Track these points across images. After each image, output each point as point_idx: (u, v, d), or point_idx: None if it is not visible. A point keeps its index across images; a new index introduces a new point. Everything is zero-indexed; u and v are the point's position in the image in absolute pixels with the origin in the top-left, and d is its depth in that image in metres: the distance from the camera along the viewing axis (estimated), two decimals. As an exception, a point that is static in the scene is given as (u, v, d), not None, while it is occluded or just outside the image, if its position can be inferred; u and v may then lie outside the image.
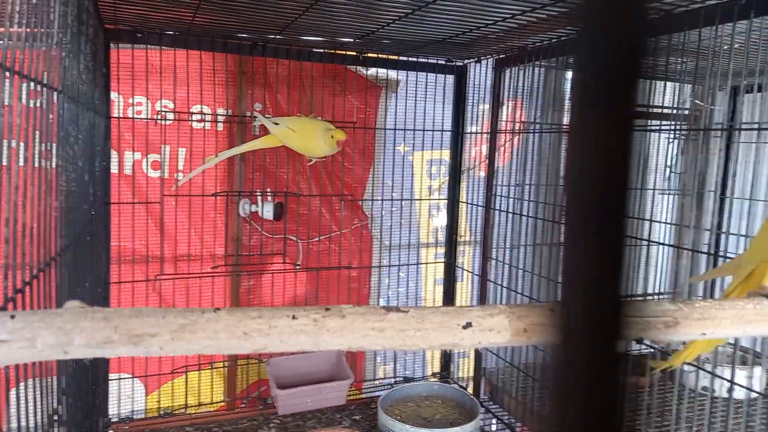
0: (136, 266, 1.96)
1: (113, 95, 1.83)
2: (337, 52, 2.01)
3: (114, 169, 1.89)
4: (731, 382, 1.38)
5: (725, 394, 1.62)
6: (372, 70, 2.19)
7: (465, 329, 0.65)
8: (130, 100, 1.90)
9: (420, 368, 2.37)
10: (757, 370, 1.68)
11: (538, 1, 1.30)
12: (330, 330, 0.56)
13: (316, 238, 2.19)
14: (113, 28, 1.70)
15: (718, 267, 1.63)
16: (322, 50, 1.99)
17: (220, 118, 2.02)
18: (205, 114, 1.99)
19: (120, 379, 1.95)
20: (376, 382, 2.31)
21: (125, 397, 1.97)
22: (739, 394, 1.56)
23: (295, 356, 1.98)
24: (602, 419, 0.17)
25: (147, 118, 1.92)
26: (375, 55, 2.07)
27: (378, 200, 2.28)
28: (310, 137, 1.93)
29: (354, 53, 2.03)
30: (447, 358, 2.36)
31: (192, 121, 1.97)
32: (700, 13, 1.25)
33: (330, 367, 2.02)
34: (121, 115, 1.86)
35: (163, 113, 1.92)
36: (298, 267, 2.16)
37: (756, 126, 1.38)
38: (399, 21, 1.47)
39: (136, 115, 1.90)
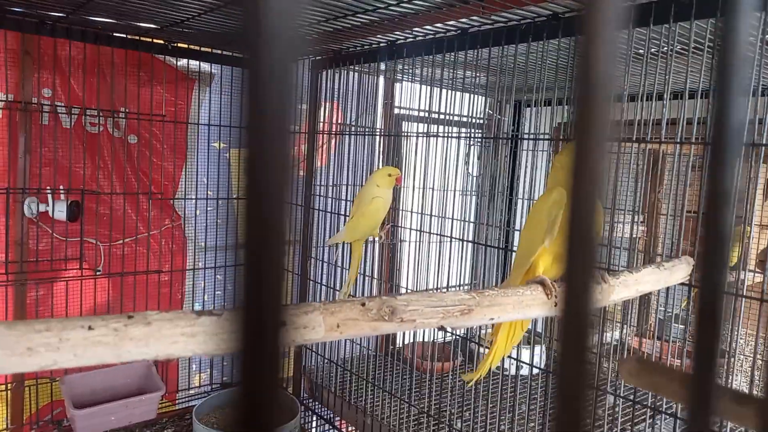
0: None
1: None
2: (142, 38, 1.86)
3: None
4: (518, 360, 1.58)
5: (514, 372, 1.85)
6: (183, 61, 2.07)
7: (280, 327, 0.65)
8: None
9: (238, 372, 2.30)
10: (538, 349, 1.94)
11: (350, 8, 1.35)
12: (134, 339, 0.53)
13: (120, 241, 2.01)
14: None
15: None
16: (124, 35, 1.83)
17: (-2, 104, 1.75)
18: (-23, 98, 1.71)
19: None
20: (192, 391, 2.19)
21: None
22: (525, 370, 1.79)
23: (96, 371, 1.79)
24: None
25: None
26: (186, 46, 1.97)
27: (192, 199, 2.16)
28: (377, 208, 1.64)
29: (162, 41, 1.90)
30: (266, 359, 2.33)
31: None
32: (490, 34, 1.41)
33: (138, 379, 1.87)
34: None
35: None
36: (98, 273, 1.96)
37: (533, 136, 1.60)
38: (206, 14, 1.42)
39: None
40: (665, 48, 1.27)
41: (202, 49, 2.00)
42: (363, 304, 0.74)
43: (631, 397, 1.37)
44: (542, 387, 1.76)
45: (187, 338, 0.55)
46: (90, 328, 0.50)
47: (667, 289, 1.69)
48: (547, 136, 1.95)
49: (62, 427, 1.82)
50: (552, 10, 1.26)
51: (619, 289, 1.06)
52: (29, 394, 1.86)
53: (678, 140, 1.19)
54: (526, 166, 1.93)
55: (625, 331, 1.99)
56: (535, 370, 1.81)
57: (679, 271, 1.12)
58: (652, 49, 1.27)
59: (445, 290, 1.81)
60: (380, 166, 1.88)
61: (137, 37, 1.85)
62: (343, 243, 1.82)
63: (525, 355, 1.91)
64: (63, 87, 1.86)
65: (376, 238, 1.77)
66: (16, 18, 1.63)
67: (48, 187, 1.83)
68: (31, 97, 1.80)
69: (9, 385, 1.82)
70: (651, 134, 1.31)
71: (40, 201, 1.82)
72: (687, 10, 1.07)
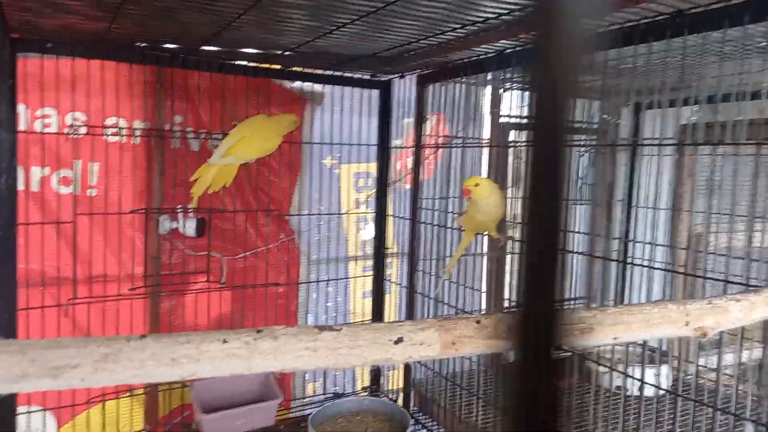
0: (47, 290, 1.83)
1: (19, 107, 1.72)
2: (261, 65, 1.99)
3: (20, 186, 1.76)
4: (641, 381, 1.47)
5: (637, 392, 1.73)
6: (297, 84, 2.18)
7: (396, 344, 0.66)
8: (38, 113, 1.79)
9: (350, 383, 2.36)
10: (664, 368, 1.80)
11: (458, 22, 1.35)
12: (263, 352, 0.56)
13: (241, 254, 2.14)
14: (20, 37, 1.60)
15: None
16: (245, 63, 1.96)
17: (137, 132, 1.94)
18: (120, 127, 1.90)
19: (29, 412, 1.81)
20: (306, 399, 2.28)
21: None
22: (649, 391, 1.67)
23: (221, 378, 1.92)
24: (544, 417, 0.19)
25: (60, 132, 1.81)
26: (300, 69, 2.07)
27: (305, 214, 2.26)
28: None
29: (278, 66, 2.02)
30: (376, 371, 2.37)
31: (106, 135, 1.88)
32: (606, 36, 1.35)
33: (257, 386, 1.97)
34: (27, 129, 1.75)
35: (74, 126, 1.82)
36: (222, 285, 2.10)
37: (657, 141, 1.50)
38: (331, 34, 1.48)
39: (45, 129, 1.79)
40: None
41: (315, 71, 2.09)
42: (478, 322, 0.73)
43: (779, 427, 1.23)
44: (671, 410, 1.63)
45: (310, 353, 0.58)
46: (225, 341, 0.54)
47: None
48: (670, 141, 1.81)
49: (191, 430, 1.96)
50: (676, 7, 1.18)
51: (762, 308, 0.96)
52: (162, 398, 2.03)
53: None
54: (648, 173, 1.81)
55: (766, 351, 1.80)
56: (662, 392, 1.68)
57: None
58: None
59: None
60: (487, 176, 1.86)
61: (257, 64, 1.97)
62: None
63: (649, 374, 1.78)
64: (192, 113, 2.03)
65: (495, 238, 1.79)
66: (155, 54, 1.80)
67: (179, 206, 1.99)
68: (164, 124, 1.98)
69: (145, 389, 1.99)
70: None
71: (172, 219, 1.99)
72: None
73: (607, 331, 0.82)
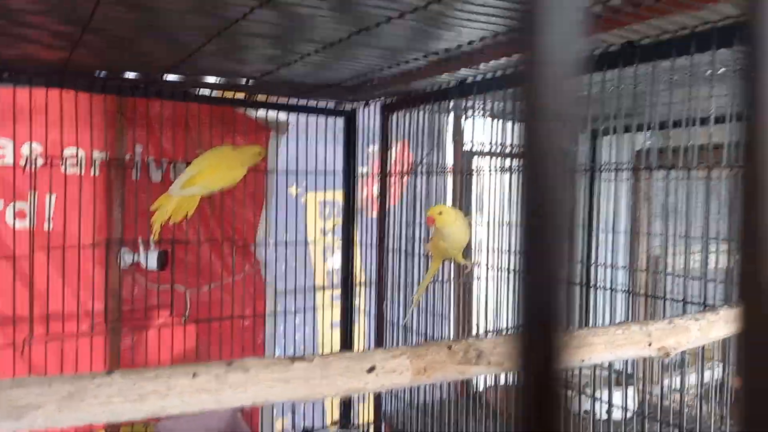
0: (0, 330, 1.75)
1: (-29, 139, 1.67)
2: (225, 94, 1.98)
3: (-29, 220, 1.70)
4: (609, 404, 1.49)
5: (605, 416, 1.75)
6: (261, 112, 2.18)
7: (369, 373, 0.65)
8: (-8, 144, 1.74)
9: (319, 417, 2.31)
10: (630, 391, 1.83)
11: (421, 51, 1.39)
12: (233, 385, 0.54)
13: (205, 287, 2.10)
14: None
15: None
16: (209, 91, 1.95)
17: (96, 162, 1.90)
18: (79, 158, 1.86)
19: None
20: (273, 434, 2.22)
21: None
22: (617, 414, 1.69)
23: (186, 417, 1.85)
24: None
25: (16, 164, 1.75)
26: (264, 98, 2.07)
27: (271, 245, 2.23)
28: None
29: (243, 95, 2.02)
30: (346, 404, 2.33)
31: (64, 166, 1.83)
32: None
33: (225, 424, 1.92)
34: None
35: (31, 157, 1.77)
36: (185, 319, 2.05)
37: (614, 166, 1.55)
38: (295, 63, 1.49)
39: (-1, 160, 1.74)
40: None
41: (279, 100, 2.10)
42: (449, 347, 0.73)
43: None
44: None
45: (282, 384, 0.57)
46: (194, 375, 0.52)
47: None
48: (626, 166, 1.88)
49: (154, 470, 1.88)
50: (626, 38, 1.24)
51: (719, 327, 0.99)
52: (124, 437, 1.95)
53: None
54: (606, 198, 1.86)
55: (726, 370, 1.85)
56: (629, 414, 1.70)
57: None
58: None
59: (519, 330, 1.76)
60: (451, 204, 1.88)
61: (221, 93, 1.97)
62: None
63: (616, 397, 1.81)
64: (153, 143, 2.00)
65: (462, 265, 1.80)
66: (116, 84, 1.78)
67: (140, 238, 1.94)
68: (125, 154, 1.94)
69: (104, 430, 1.90)
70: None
71: (133, 251, 1.94)
72: None
73: (574, 353, 0.83)
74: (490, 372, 0.78)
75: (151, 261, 1.92)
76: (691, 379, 1.83)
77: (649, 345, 0.90)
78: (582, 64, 0.18)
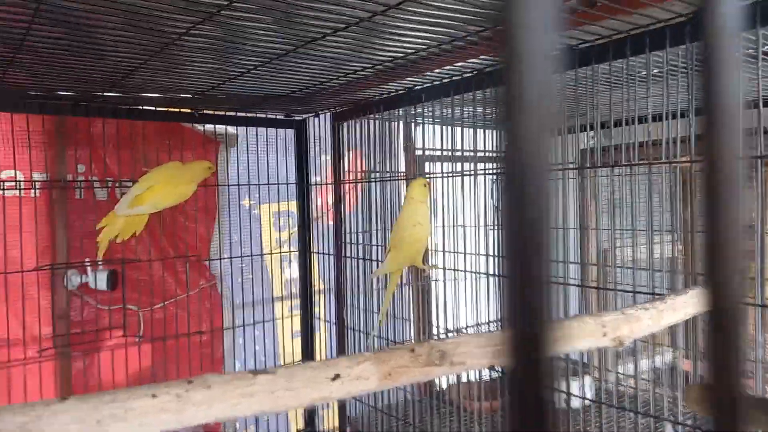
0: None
1: None
2: (171, 109, 1.94)
3: None
4: (567, 393, 1.53)
5: (564, 405, 1.80)
6: (209, 126, 2.15)
7: (334, 381, 0.65)
8: None
9: (284, 427, 2.28)
10: (587, 379, 1.89)
11: (366, 61, 1.40)
12: (196, 404, 0.54)
13: (159, 305, 2.04)
14: None
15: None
16: (153, 108, 1.91)
17: (36, 184, 1.83)
18: (18, 180, 1.78)
19: None
20: (237, 451, 2.18)
21: None
22: (575, 402, 1.74)
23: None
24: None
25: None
26: (212, 112, 2.04)
27: (226, 258, 2.20)
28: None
29: (189, 110, 1.98)
30: (311, 412, 2.31)
31: (2, 189, 1.75)
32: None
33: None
34: None
35: (-35, 181, 1.68)
36: (139, 339, 1.99)
37: (560, 166, 1.61)
38: (241, 77, 1.48)
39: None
40: (685, 65, 1.28)
41: (226, 113, 2.07)
42: (412, 350, 0.73)
43: (689, 422, 1.32)
44: (596, 419, 1.71)
45: (247, 398, 0.56)
46: (154, 396, 0.51)
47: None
48: (571, 165, 1.94)
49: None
50: (565, 43, 1.28)
51: (668, 314, 1.04)
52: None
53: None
54: (555, 196, 1.92)
55: (675, 354, 1.93)
56: (587, 402, 1.76)
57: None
58: (670, 68, 1.28)
59: (477, 328, 1.79)
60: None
61: (167, 109, 1.93)
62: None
63: (574, 387, 1.86)
64: (97, 161, 1.94)
65: (421, 269, 1.78)
66: (55, 103, 1.71)
67: (87, 259, 1.88)
68: (66, 174, 1.87)
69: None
70: (679, 153, 1.30)
71: (80, 273, 1.87)
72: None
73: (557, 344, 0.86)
74: (453, 372, 0.79)
75: (101, 281, 1.86)
76: (643, 365, 1.91)
77: (604, 335, 0.93)
78: (558, 59, 0.19)
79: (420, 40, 1.23)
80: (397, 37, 1.20)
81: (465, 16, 1.08)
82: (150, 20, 1.02)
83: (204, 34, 1.11)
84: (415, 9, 1.03)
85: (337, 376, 0.65)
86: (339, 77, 1.55)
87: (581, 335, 0.92)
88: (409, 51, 1.31)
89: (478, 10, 1.05)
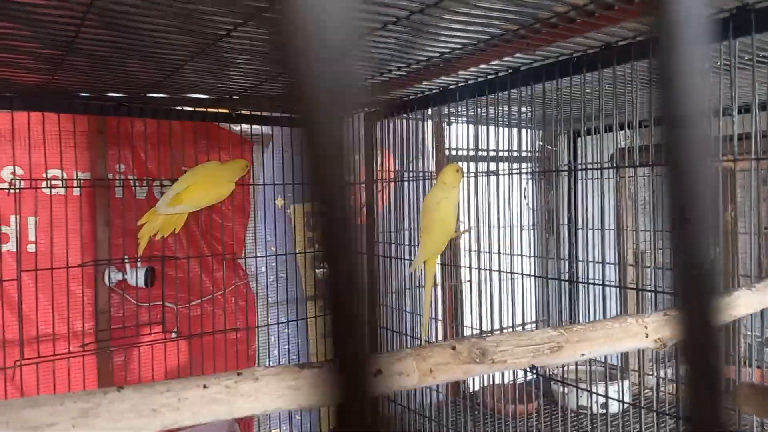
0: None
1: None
2: (208, 110, 1.98)
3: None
4: (606, 396, 1.51)
5: (602, 410, 1.77)
6: (244, 127, 2.18)
7: (376, 376, 0.66)
8: (-27, 168, 1.71)
9: (316, 426, 2.30)
10: (625, 384, 1.85)
11: (404, 61, 1.40)
12: (244, 395, 0.55)
13: (195, 302, 2.08)
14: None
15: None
16: (191, 109, 1.95)
17: (79, 183, 1.88)
18: (62, 179, 1.84)
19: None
20: (269, 447, 2.20)
21: None
22: (613, 407, 1.71)
23: (184, 430, 1.83)
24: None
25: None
26: (247, 112, 2.07)
27: (261, 257, 2.23)
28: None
29: (225, 111, 2.01)
30: (342, 411, 2.32)
31: (47, 187, 1.81)
32: (542, 70, 1.43)
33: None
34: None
35: (12, 181, 1.74)
36: (175, 335, 2.03)
37: (597, 165, 1.58)
38: (278, 77, 1.50)
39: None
40: (727, 62, 1.24)
41: (262, 114, 2.10)
42: (453, 348, 0.73)
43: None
44: (635, 423, 1.67)
45: (292, 391, 0.57)
46: (205, 386, 0.52)
47: (762, 311, 1.59)
48: (607, 164, 1.91)
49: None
50: (602, 41, 1.26)
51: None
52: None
53: (754, 156, 1.15)
54: (591, 196, 1.89)
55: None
56: (625, 406, 1.72)
57: (774, 291, 1.06)
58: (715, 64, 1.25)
59: (519, 328, 1.78)
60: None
61: (204, 109, 1.96)
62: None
63: (611, 391, 1.83)
64: (136, 161, 1.99)
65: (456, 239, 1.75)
66: (98, 103, 1.76)
67: (126, 256, 1.93)
68: (106, 174, 1.92)
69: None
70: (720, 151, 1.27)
71: (119, 269, 1.92)
72: (748, 26, 1.06)
73: (575, 348, 0.85)
74: (494, 370, 0.79)
75: (139, 278, 1.90)
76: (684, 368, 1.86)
77: (647, 337, 0.91)
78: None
79: (458, 39, 1.23)
80: (436, 37, 1.20)
81: (503, 15, 1.08)
82: (194, 21, 1.04)
83: (245, 35, 1.13)
84: (456, 9, 1.03)
85: (379, 372, 0.65)
86: (375, 77, 1.56)
87: (624, 336, 0.91)
88: (445, 50, 1.31)
89: (518, 9, 1.04)
